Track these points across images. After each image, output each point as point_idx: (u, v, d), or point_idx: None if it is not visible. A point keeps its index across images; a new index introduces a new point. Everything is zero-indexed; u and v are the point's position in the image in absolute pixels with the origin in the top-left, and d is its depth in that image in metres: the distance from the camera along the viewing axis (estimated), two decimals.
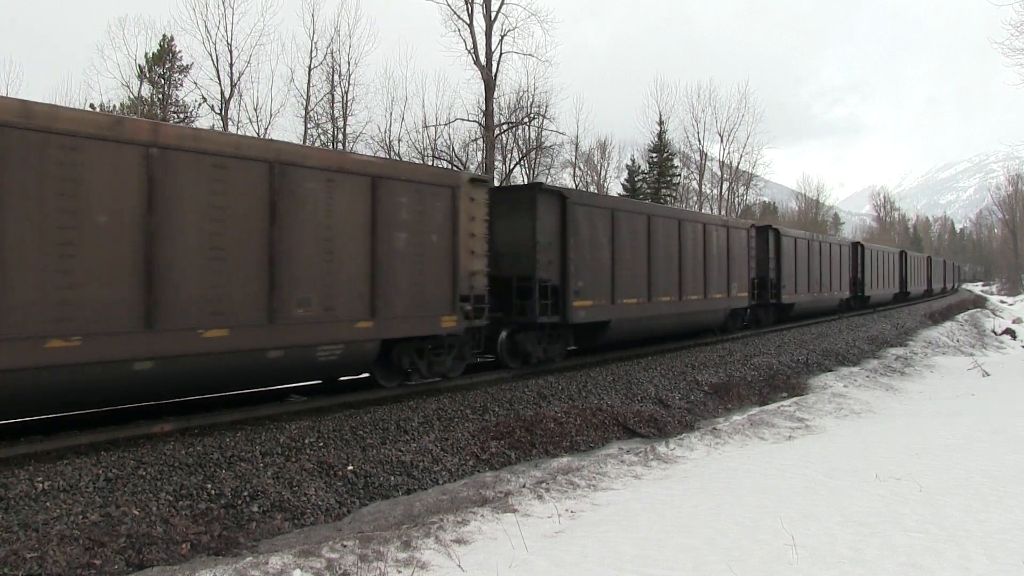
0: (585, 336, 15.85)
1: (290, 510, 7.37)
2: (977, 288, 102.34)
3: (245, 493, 7.36)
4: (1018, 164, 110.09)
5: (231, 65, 32.78)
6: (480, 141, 35.91)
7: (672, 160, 54.30)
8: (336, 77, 35.09)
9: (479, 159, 37.40)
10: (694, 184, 55.94)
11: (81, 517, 6.33)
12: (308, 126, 34.68)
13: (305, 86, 34.74)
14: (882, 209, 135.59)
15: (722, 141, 53.59)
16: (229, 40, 32.65)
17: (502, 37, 33.22)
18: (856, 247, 35.13)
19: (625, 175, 56.21)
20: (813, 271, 28.22)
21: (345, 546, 6.19)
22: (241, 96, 33.85)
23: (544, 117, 38.38)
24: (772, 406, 13.85)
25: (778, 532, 5.99)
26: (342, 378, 11.59)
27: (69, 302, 7.24)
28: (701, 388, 14.62)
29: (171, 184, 8.02)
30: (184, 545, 6.36)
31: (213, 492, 7.23)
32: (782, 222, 70.79)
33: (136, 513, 6.57)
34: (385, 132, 37.68)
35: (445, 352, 11.91)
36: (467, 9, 32.88)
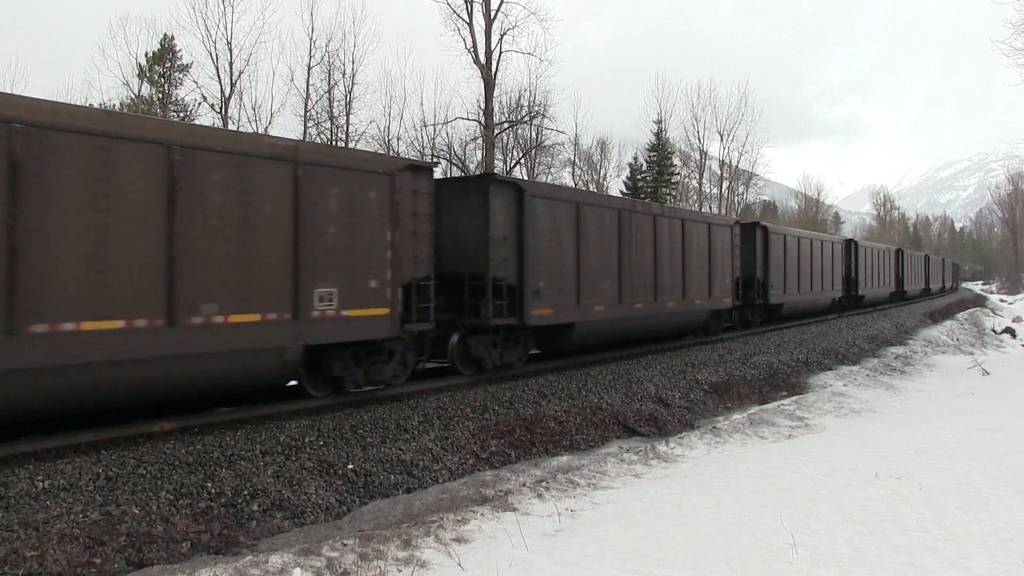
0: None
1: (290, 509, 7.37)
2: (977, 287, 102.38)
3: (245, 492, 7.36)
4: (1018, 163, 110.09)
5: (231, 64, 32.79)
6: (480, 140, 35.93)
7: (671, 159, 54.30)
8: (337, 75, 35.09)
9: (479, 158, 37.41)
10: (694, 183, 56.00)
11: (81, 516, 6.33)
12: (308, 124, 34.69)
13: (305, 85, 34.75)
14: (882, 208, 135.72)
15: (722, 140, 53.64)
16: (229, 39, 32.66)
17: (502, 36, 33.25)
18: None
19: (626, 173, 56.23)
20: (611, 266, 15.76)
21: (345, 545, 6.20)
22: (241, 95, 33.88)
23: (544, 116, 38.41)
24: (772, 405, 13.86)
25: (778, 531, 5.99)
26: None
27: None
28: (701, 387, 14.62)
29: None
30: (184, 544, 6.36)
31: (213, 491, 7.23)
32: (782, 221, 70.72)
33: (136, 512, 6.57)
34: (384, 130, 37.69)
35: None
36: (467, 8, 32.89)
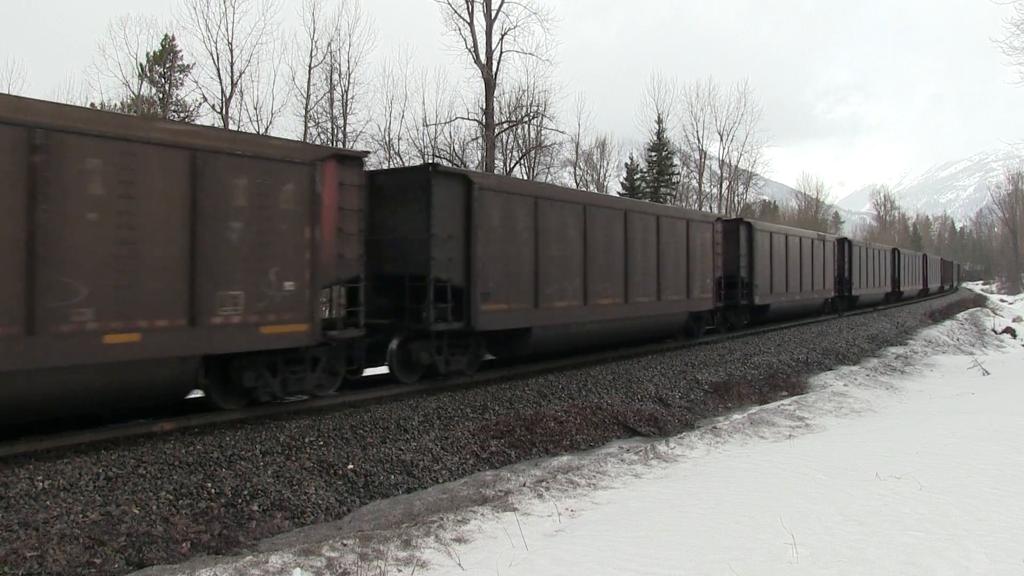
0: None
1: (290, 509, 7.37)
2: (977, 287, 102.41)
3: (245, 492, 7.36)
4: (1018, 163, 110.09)
5: (232, 64, 32.76)
6: (480, 140, 35.93)
7: (671, 159, 54.33)
8: (336, 76, 35.10)
9: (479, 158, 37.41)
10: (694, 183, 56.05)
11: (81, 516, 6.33)
12: (308, 125, 34.70)
13: (306, 85, 34.75)
14: (882, 208, 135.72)
15: (721, 140, 53.70)
16: (230, 39, 32.63)
17: (502, 36, 33.22)
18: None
19: (624, 174, 56.25)
20: None
21: (345, 545, 6.19)
22: (242, 95, 33.89)
23: (544, 116, 38.41)
24: (772, 405, 13.85)
25: (778, 531, 5.98)
26: None
27: None
28: (701, 387, 14.62)
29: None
30: (184, 544, 6.36)
31: (213, 491, 7.23)
32: (782, 221, 70.74)
33: (136, 512, 6.57)
34: (385, 130, 37.69)
35: None
36: (467, 8, 32.88)
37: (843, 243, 32.69)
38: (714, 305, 19.82)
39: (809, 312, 28.85)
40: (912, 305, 42.54)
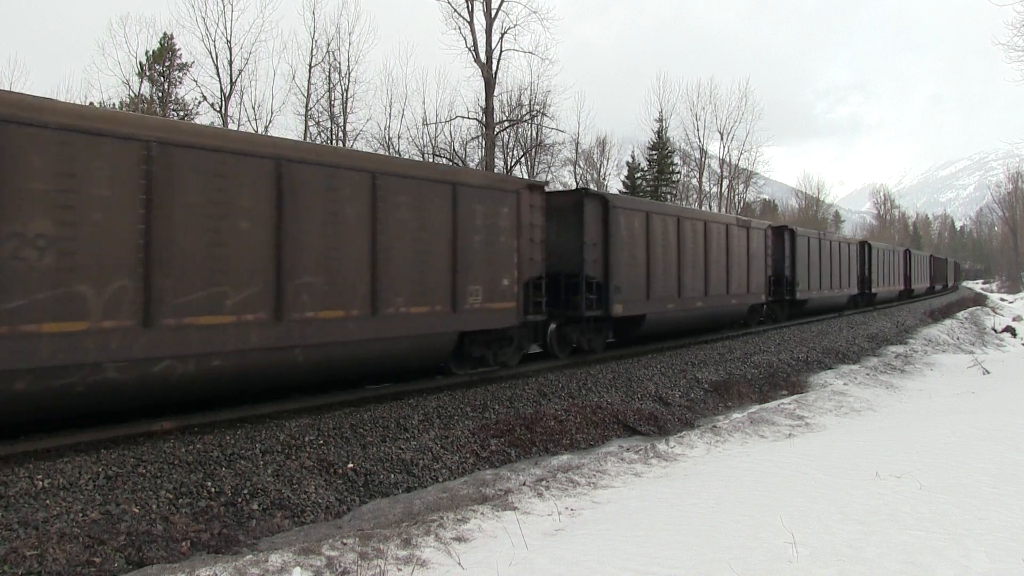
0: None
1: (290, 508, 7.37)
2: (977, 286, 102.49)
3: (245, 491, 7.36)
4: (1018, 162, 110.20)
5: (230, 62, 32.77)
6: (481, 139, 35.91)
7: (672, 158, 54.36)
8: (336, 75, 35.10)
9: (479, 157, 37.41)
10: (694, 182, 56.07)
11: (81, 515, 6.33)
12: (308, 124, 34.69)
13: (305, 84, 34.75)
14: (882, 207, 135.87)
15: (722, 139, 53.75)
16: (228, 37, 32.65)
17: (502, 35, 33.24)
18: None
19: (625, 172, 56.26)
20: None
21: (345, 544, 6.19)
22: (242, 94, 33.92)
23: (544, 115, 38.42)
24: (772, 404, 13.85)
25: (778, 530, 5.98)
26: None
27: None
28: (701, 386, 14.62)
29: None
30: (184, 543, 6.36)
31: (213, 490, 7.23)
32: (782, 220, 70.73)
33: (136, 511, 6.56)
34: (385, 129, 37.69)
35: None
36: (467, 7, 32.88)
37: (783, 232, 25.90)
38: (519, 319, 13.12)
39: (724, 323, 22.32)
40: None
